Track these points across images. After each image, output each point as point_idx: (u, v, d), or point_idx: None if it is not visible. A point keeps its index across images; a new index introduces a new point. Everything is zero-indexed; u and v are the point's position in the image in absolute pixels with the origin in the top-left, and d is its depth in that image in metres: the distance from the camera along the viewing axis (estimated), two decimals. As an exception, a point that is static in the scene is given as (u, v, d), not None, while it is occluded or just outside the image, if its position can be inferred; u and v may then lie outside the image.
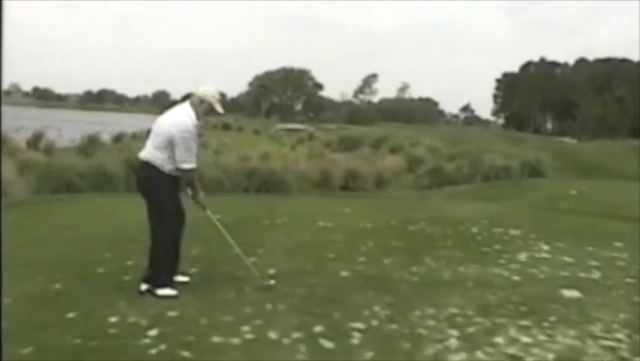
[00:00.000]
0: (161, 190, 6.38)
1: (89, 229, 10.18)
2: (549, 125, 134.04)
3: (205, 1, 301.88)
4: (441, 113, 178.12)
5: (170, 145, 6.21)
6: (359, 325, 5.50)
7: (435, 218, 11.86)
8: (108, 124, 51.70)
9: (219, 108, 6.49)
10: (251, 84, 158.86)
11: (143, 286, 6.29)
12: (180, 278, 6.72)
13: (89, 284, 6.63)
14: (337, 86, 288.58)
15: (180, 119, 6.27)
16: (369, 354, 4.88)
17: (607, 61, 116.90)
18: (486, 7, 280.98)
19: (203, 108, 6.40)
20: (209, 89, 6.47)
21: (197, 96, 6.39)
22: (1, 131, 24.37)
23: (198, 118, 6.36)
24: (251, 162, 22.29)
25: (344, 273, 7.40)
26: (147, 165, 6.34)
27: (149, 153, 6.36)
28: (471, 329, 5.48)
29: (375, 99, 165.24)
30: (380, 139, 49.67)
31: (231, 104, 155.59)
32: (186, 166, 6.26)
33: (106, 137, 38.36)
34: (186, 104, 6.40)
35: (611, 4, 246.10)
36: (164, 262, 6.43)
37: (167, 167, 6.30)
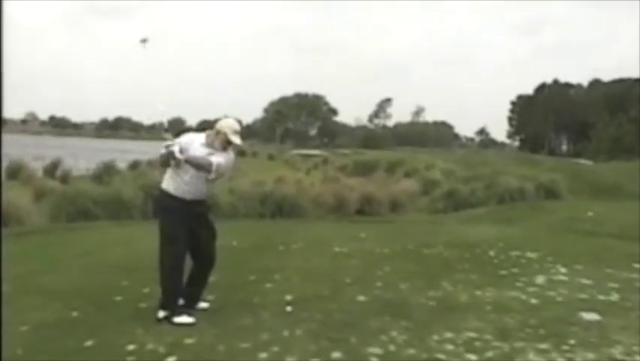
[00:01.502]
0: (166, 214, 6.45)
1: (106, 256, 10.22)
2: (564, 147, 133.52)
3: (219, 28, 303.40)
4: (456, 136, 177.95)
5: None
6: (377, 350, 5.47)
7: (451, 242, 11.83)
8: (125, 152, 51.89)
9: (235, 139, 6.47)
10: (266, 110, 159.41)
11: (161, 314, 6.28)
12: (200, 305, 6.74)
13: (106, 312, 6.65)
14: (352, 111, 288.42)
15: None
16: (388, 380, 4.86)
17: (621, 81, 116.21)
18: (499, 30, 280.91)
19: (220, 140, 6.43)
20: (226, 120, 6.54)
21: (215, 128, 6.45)
22: (1, 156, 24.50)
23: (213, 146, 6.39)
24: (266, 187, 22.29)
25: (361, 298, 7.38)
26: (159, 189, 6.53)
27: (163, 178, 6.48)
28: (489, 353, 5.44)
29: (390, 123, 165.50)
30: (395, 163, 49.67)
31: (246, 130, 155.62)
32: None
33: (122, 164, 38.50)
34: (203, 133, 6.48)
35: (623, 24, 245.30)
36: (170, 289, 6.42)
37: (173, 185, 6.38)
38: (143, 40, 6.77)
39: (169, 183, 6.43)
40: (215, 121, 6.60)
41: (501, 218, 18.19)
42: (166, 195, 6.42)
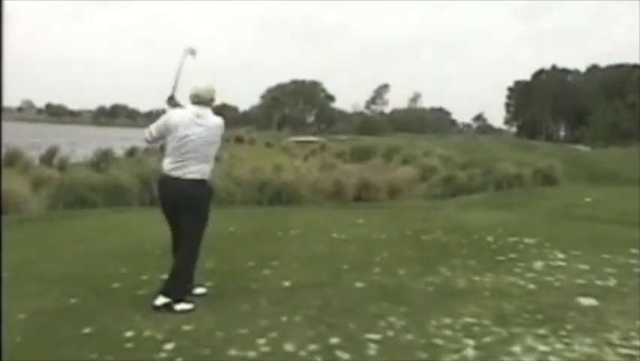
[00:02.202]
0: (210, 202, 6.61)
1: (104, 243, 10.19)
2: (562, 133, 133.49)
3: (216, 15, 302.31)
4: (453, 122, 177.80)
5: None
6: (375, 336, 5.48)
7: (449, 227, 11.83)
8: (124, 139, 51.69)
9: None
10: (263, 97, 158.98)
11: (160, 301, 6.21)
12: (198, 290, 6.74)
13: (104, 299, 6.64)
14: (349, 98, 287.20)
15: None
16: (386, 365, 4.87)
17: (619, 67, 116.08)
18: (497, 15, 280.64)
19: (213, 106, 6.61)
20: (204, 85, 6.56)
21: (209, 98, 6.53)
22: (1, 144, 24.42)
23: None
24: (263, 174, 22.19)
25: (359, 284, 7.39)
26: (204, 178, 6.47)
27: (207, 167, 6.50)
28: (487, 339, 5.45)
29: (387, 110, 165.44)
30: (392, 149, 49.52)
31: (243, 117, 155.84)
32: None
33: (119, 151, 38.40)
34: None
35: (623, 10, 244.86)
36: (190, 273, 6.53)
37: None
38: (192, 52, 6.83)
39: (211, 169, 6.54)
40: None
41: (499, 204, 18.18)
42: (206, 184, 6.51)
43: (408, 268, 8.20)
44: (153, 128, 6.53)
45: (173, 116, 6.47)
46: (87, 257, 8.93)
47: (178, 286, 6.32)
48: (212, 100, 6.52)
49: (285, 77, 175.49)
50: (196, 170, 6.32)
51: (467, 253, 9.39)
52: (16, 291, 6.75)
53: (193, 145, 6.29)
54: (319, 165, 35.34)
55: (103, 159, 31.81)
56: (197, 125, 6.32)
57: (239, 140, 65.77)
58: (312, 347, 5.21)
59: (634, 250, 9.43)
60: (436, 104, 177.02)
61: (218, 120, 6.48)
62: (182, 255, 6.44)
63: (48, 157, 33.90)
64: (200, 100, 6.43)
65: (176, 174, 6.33)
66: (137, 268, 7.88)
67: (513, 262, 8.71)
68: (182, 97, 6.63)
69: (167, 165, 6.41)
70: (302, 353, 5.10)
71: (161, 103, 6.69)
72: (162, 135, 6.46)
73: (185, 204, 6.37)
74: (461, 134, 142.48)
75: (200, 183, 6.36)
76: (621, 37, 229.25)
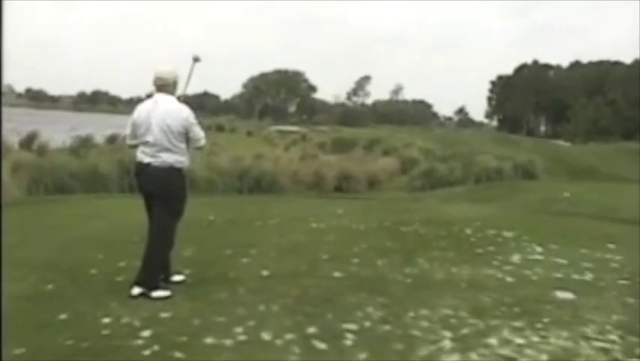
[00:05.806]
0: (187, 190, 6.57)
1: (82, 229, 10.15)
2: (542, 128, 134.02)
3: (199, 2, 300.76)
4: (434, 115, 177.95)
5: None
6: (352, 326, 5.48)
7: (428, 219, 11.87)
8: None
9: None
10: (245, 86, 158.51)
11: (135, 291, 6.16)
12: (176, 278, 6.71)
13: (81, 285, 6.60)
14: (331, 88, 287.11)
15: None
16: (363, 355, 4.86)
17: (600, 64, 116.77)
18: (482, 9, 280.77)
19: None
20: (167, 67, 6.51)
21: (173, 81, 6.48)
22: (1, 132, 24.20)
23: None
24: (244, 163, 22.22)
25: (337, 274, 7.38)
26: (179, 166, 6.39)
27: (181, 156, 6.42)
28: (464, 330, 5.46)
29: (369, 101, 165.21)
30: (373, 141, 49.60)
31: (225, 106, 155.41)
32: None
33: (99, 138, 38.16)
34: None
35: (609, 9, 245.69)
36: (164, 262, 6.49)
37: (189, 159, 6.50)
38: (196, 60, 6.80)
39: (187, 158, 6.45)
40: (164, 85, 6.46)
41: (478, 197, 18.29)
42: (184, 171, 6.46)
43: (386, 259, 8.21)
44: (127, 129, 6.50)
45: (137, 108, 6.46)
46: (65, 243, 8.88)
47: (151, 276, 6.27)
48: (175, 83, 6.43)
49: (268, 67, 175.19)
50: (164, 159, 6.23)
51: (446, 245, 9.42)
52: (-8, 276, 6.70)
53: (153, 134, 6.20)
54: (300, 155, 35.33)
55: (82, 145, 31.59)
56: (154, 112, 6.24)
57: (220, 128, 65.77)
58: (289, 336, 5.20)
59: (611, 245, 9.50)
60: (418, 96, 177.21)
61: (178, 107, 6.32)
62: (152, 244, 6.38)
63: (27, 142, 33.61)
64: (163, 82, 6.34)
65: (146, 160, 6.27)
66: (114, 255, 7.84)
67: (491, 254, 8.74)
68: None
69: (139, 153, 6.36)
70: (279, 342, 5.09)
71: (142, 90, 6.64)
72: (135, 132, 6.41)
73: (156, 193, 6.33)
74: (442, 127, 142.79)
75: (172, 172, 6.27)
76: (608, 35, 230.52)
